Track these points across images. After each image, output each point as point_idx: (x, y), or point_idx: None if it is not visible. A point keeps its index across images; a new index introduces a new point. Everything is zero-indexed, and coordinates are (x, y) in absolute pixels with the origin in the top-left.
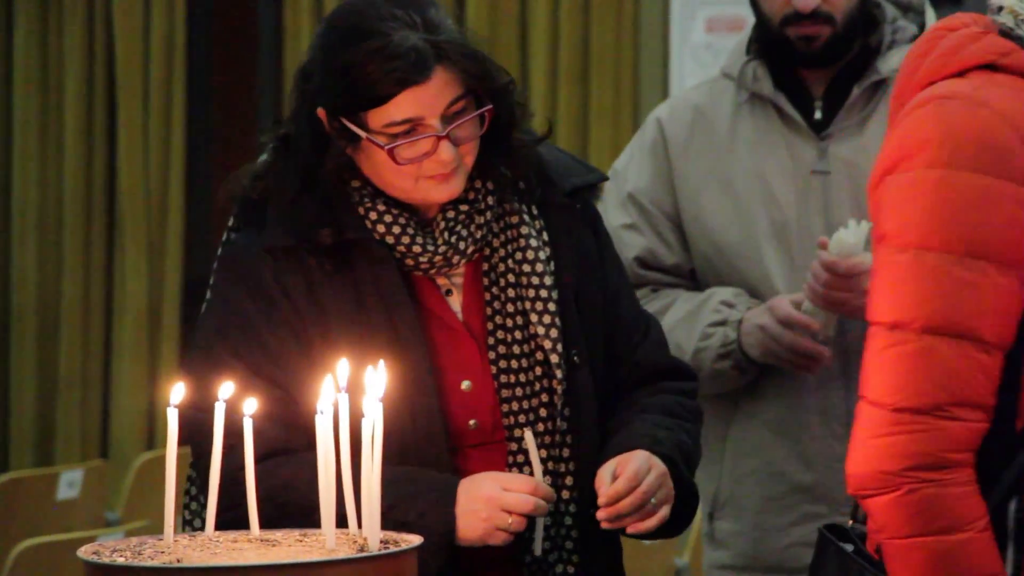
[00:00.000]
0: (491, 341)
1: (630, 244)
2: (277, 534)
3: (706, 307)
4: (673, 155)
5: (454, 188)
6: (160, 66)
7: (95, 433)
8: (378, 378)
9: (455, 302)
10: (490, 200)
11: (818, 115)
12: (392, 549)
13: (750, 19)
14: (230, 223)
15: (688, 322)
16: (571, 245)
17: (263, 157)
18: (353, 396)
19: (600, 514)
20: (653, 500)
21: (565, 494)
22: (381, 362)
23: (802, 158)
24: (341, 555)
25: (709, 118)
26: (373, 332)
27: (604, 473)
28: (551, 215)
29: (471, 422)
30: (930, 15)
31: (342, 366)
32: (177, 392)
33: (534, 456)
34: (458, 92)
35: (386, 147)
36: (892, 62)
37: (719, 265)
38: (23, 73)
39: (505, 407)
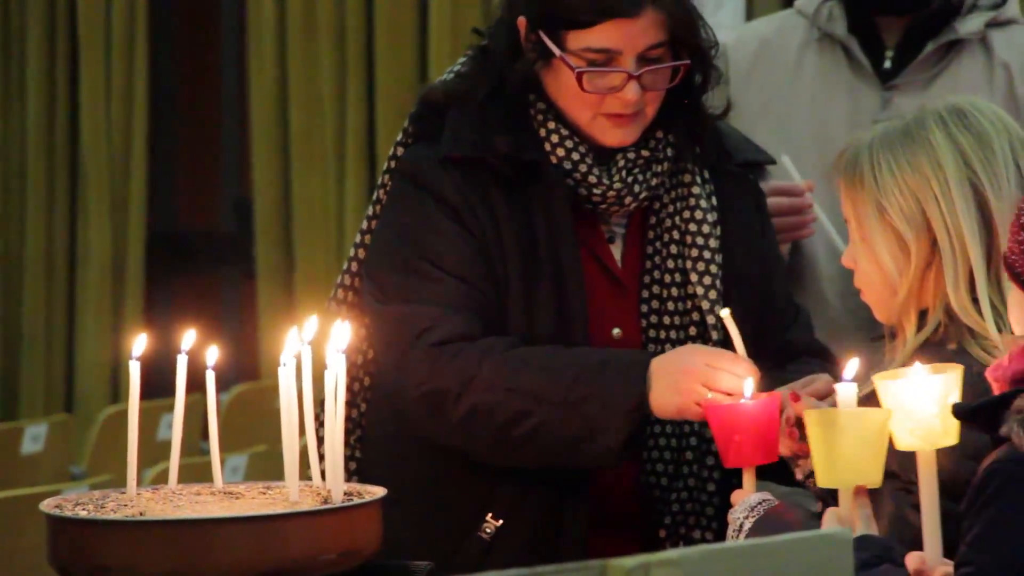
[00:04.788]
0: (645, 294)
1: None
2: (240, 486)
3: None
4: (733, 84)
5: (628, 135)
6: (122, 19)
7: (59, 387)
8: (342, 331)
9: (617, 250)
10: (669, 152)
11: (887, 64)
12: (355, 501)
13: None
14: (399, 137)
15: None
16: (738, 215)
17: (458, 65)
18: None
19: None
20: None
21: (710, 460)
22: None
23: (864, 105)
24: (304, 507)
25: (775, 52)
26: (538, 263)
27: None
28: (723, 183)
29: None
30: None
31: (310, 321)
32: (139, 344)
33: (734, 332)
34: (661, 38)
35: (576, 70)
36: (971, 25)
37: None
38: None
39: None
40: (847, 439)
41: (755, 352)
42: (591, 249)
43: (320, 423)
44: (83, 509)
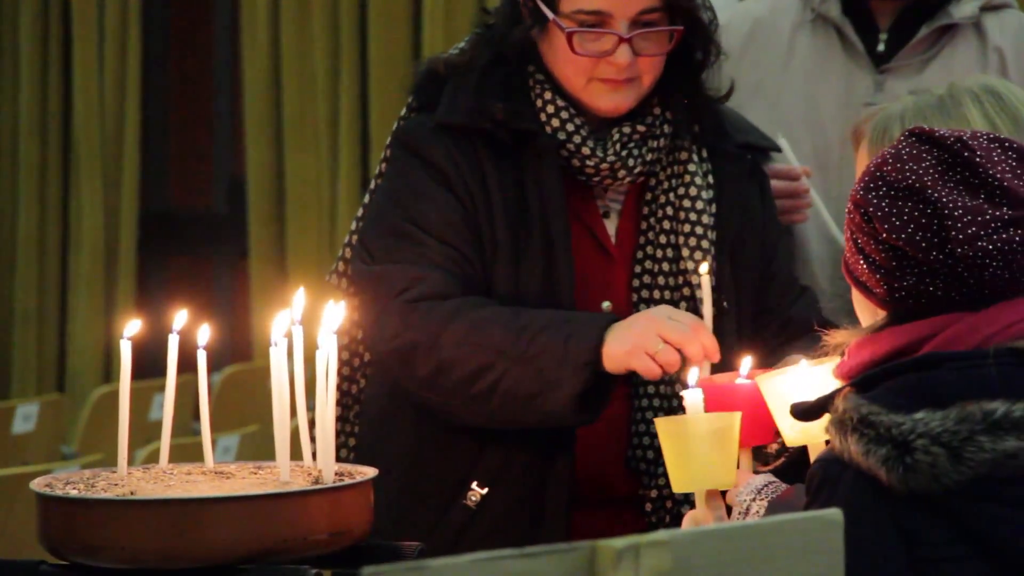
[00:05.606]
0: (637, 268)
1: None
2: (231, 466)
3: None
4: (727, 63)
5: (623, 101)
6: (115, 0)
7: (51, 367)
8: (335, 312)
9: (611, 224)
10: (666, 128)
11: (881, 47)
12: (347, 481)
13: None
14: (403, 112)
15: None
16: (734, 194)
17: (463, 43)
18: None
19: None
20: None
21: None
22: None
23: (857, 88)
24: (295, 487)
25: (767, 32)
26: (529, 232)
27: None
28: (720, 163)
29: None
30: None
31: (298, 295)
32: (131, 325)
33: (706, 293)
34: (654, 3)
35: (567, 30)
36: (965, 9)
37: None
38: None
39: None
40: (696, 444)
41: (756, 329)
42: (585, 222)
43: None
44: (73, 488)
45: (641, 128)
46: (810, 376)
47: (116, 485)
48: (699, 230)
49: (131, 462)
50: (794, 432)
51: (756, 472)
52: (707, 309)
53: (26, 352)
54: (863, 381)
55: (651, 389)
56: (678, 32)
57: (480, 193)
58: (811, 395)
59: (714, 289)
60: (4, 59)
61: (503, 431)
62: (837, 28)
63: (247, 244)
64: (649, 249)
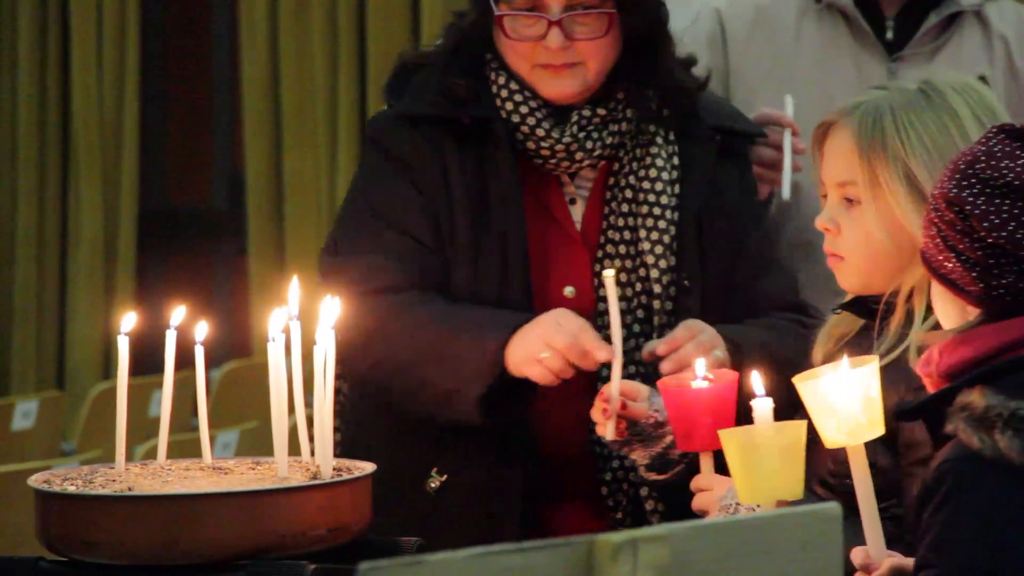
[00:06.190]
0: (600, 253)
1: None
2: (230, 462)
3: None
4: (732, 49)
5: (566, 87)
6: None
7: (51, 363)
8: (332, 307)
9: (577, 211)
10: (628, 113)
11: (890, 35)
12: (345, 476)
13: None
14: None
15: None
16: (702, 174)
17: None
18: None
19: (665, 365)
20: (719, 351)
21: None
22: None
23: (870, 76)
24: (293, 483)
25: (770, 19)
26: (488, 222)
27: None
28: (688, 144)
29: None
30: None
31: (293, 287)
32: (128, 320)
33: (611, 297)
34: None
35: (496, 14)
36: None
37: None
38: None
39: (600, 319)
40: (766, 455)
41: (722, 304)
42: (548, 209)
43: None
44: (71, 484)
45: (601, 112)
46: (852, 378)
47: (114, 481)
48: (656, 211)
49: (130, 458)
50: (834, 435)
51: (653, 481)
52: (613, 311)
53: (25, 349)
54: (986, 374)
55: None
56: (611, 15)
57: (440, 182)
58: (853, 397)
59: (672, 270)
60: (2, 56)
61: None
62: (844, 16)
63: (246, 241)
64: (611, 233)
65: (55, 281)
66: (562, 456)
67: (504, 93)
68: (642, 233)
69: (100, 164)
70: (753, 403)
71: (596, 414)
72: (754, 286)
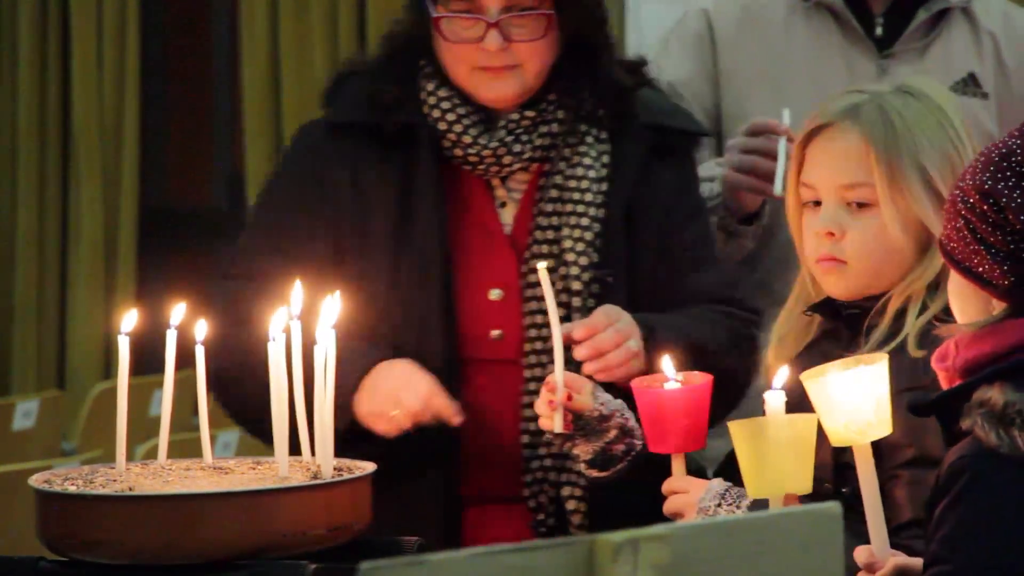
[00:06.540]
0: (527, 255)
1: None
2: (230, 462)
3: (700, 167)
4: (721, 49)
5: (505, 90)
6: None
7: (51, 363)
8: (333, 305)
9: (507, 213)
10: (559, 114)
11: (879, 31)
12: (345, 476)
13: None
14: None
15: None
16: (633, 170)
17: None
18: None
19: (580, 351)
20: (633, 342)
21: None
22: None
23: (861, 73)
24: (294, 482)
25: (758, 18)
26: (411, 227)
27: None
28: (621, 142)
29: (494, 332)
30: None
31: (296, 291)
32: (128, 320)
33: (547, 290)
34: None
35: (434, 16)
36: None
37: None
38: None
39: (527, 320)
40: (775, 447)
41: (653, 300)
42: (475, 213)
43: None
44: (72, 484)
45: (530, 114)
46: (860, 376)
47: (115, 481)
48: (580, 208)
49: (130, 458)
50: (843, 433)
51: (594, 478)
52: (550, 303)
53: (26, 348)
54: (1006, 370)
55: (540, 373)
56: (550, 16)
57: (349, 189)
58: (862, 395)
59: (594, 267)
60: (2, 55)
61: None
62: (833, 13)
63: None
64: (538, 234)
65: (55, 281)
66: (486, 456)
67: (432, 100)
68: (564, 231)
69: (100, 164)
70: (766, 395)
71: (541, 407)
72: (684, 281)
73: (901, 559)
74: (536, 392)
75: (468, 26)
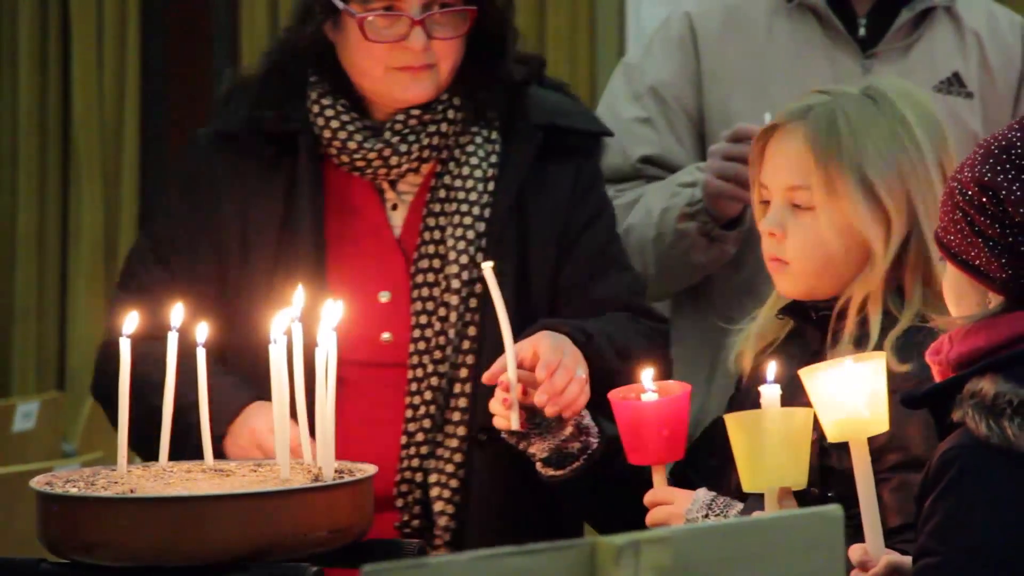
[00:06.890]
0: (415, 256)
1: (642, 139)
2: (231, 464)
3: (682, 172)
4: (703, 51)
5: (424, 89)
6: None
7: (51, 364)
8: (334, 308)
9: (397, 216)
10: (451, 114)
11: (862, 32)
12: (347, 479)
13: None
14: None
15: (663, 187)
16: (520, 170)
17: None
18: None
19: (539, 398)
20: (580, 371)
21: (456, 416)
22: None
23: (844, 73)
24: (295, 485)
25: (741, 20)
26: (294, 234)
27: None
28: (511, 142)
29: (384, 335)
30: None
31: (298, 295)
32: (129, 322)
33: (493, 288)
34: None
35: (357, 16)
36: None
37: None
38: None
39: (413, 319)
40: (770, 440)
41: (554, 306)
42: (365, 218)
43: None
44: (73, 486)
45: (416, 112)
46: (856, 372)
47: (116, 483)
48: (464, 208)
49: (131, 460)
50: (837, 429)
51: (550, 477)
52: (497, 301)
53: (26, 350)
54: (998, 362)
55: (425, 377)
56: (471, 12)
57: (234, 198)
58: (858, 391)
59: (477, 266)
60: (2, 54)
61: None
62: (816, 14)
63: None
64: (426, 235)
65: (56, 281)
66: (364, 460)
67: (315, 108)
68: (448, 231)
69: (100, 164)
70: (761, 388)
71: (496, 405)
72: (588, 287)
73: (894, 557)
74: (418, 394)
75: (390, 24)
